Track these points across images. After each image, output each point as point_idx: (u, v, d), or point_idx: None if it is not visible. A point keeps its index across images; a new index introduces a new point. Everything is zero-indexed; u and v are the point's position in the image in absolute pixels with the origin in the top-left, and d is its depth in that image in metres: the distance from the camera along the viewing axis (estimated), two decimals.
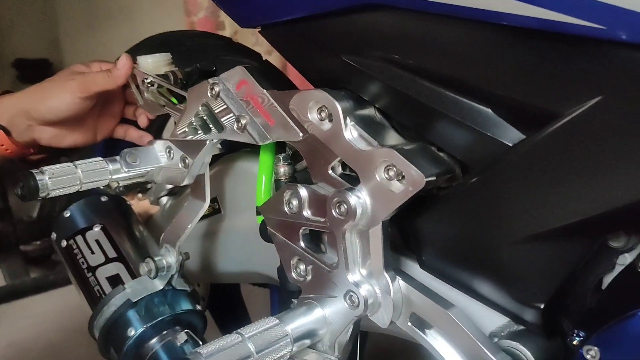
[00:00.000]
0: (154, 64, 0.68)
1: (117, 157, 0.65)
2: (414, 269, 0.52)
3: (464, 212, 0.46)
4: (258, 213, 0.60)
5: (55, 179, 0.60)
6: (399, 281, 0.48)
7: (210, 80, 0.58)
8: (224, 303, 1.02)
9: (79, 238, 0.69)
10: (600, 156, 0.38)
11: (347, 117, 0.48)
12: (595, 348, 0.38)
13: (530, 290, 0.44)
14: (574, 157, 0.39)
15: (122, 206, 0.76)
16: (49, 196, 0.60)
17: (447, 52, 0.43)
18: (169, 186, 0.83)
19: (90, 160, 0.63)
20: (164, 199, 0.84)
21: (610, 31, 0.33)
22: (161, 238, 0.66)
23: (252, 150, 0.67)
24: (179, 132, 0.63)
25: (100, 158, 0.64)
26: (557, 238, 0.42)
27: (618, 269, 0.46)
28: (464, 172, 0.47)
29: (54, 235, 0.72)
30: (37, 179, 0.59)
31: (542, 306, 0.44)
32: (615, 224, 0.42)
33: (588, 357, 0.38)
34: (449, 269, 0.49)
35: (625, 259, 0.45)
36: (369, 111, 0.51)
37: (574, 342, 0.40)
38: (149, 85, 0.67)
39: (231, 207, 0.72)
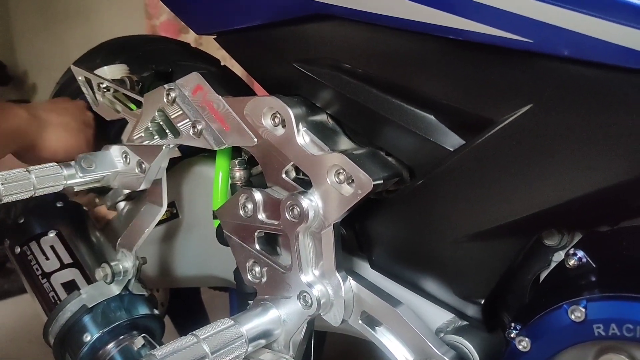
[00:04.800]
0: (111, 71, 0.68)
1: (72, 162, 0.65)
2: (365, 269, 0.54)
3: (410, 214, 0.48)
4: (215, 217, 0.61)
5: (8, 185, 0.59)
6: (350, 281, 0.50)
7: (166, 85, 0.59)
8: (183, 309, 1.02)
9: (33, 244, 0.69)
10: (531, 160, 0.40)
11: (300, 123, 0.50)
12: (527, 339, 0.41)
13: (471, 287, 0.47)
14: (508, 161, 0.41)
15: (78, 212, 0.75)
16: (2, 202, 0.59)
17: (391, 61, 0.45)
18: (127, 191, 0.82)
19: (44, 165, 0.63)
20: (121, 204, 0.84)
21: (537, 44, 0.36)
22: (118, 243, 0.66)
23: (209, 154, 0.68)
24: (135, 137, 0.64)
25: (55, 163, 0.63)
26: (495, 237, 0.45)
27: (553, 265, 0.49)
28: (411, 175, 0.50)
29: (7, 242, 0.71)
30: None
31: (482, 302, 0.46)
32: (547, 223, 0.45)
33: (520, 347, 0.41)
34: (397, 268, 0.51)
35: (560, 257, 0.49)
36: (321, 117, 0.53)
37: (511, 335, 0.43)
38: (105, 90, 0.67)
39: (188, 211, 0.73)
